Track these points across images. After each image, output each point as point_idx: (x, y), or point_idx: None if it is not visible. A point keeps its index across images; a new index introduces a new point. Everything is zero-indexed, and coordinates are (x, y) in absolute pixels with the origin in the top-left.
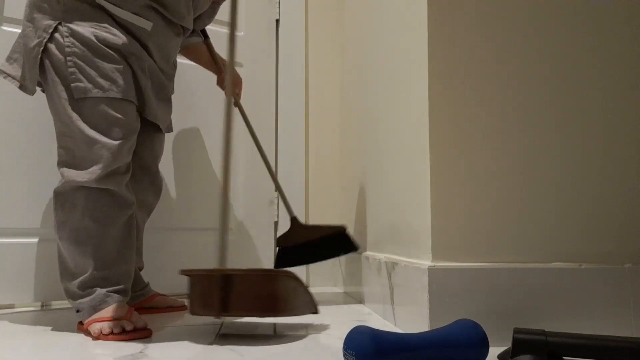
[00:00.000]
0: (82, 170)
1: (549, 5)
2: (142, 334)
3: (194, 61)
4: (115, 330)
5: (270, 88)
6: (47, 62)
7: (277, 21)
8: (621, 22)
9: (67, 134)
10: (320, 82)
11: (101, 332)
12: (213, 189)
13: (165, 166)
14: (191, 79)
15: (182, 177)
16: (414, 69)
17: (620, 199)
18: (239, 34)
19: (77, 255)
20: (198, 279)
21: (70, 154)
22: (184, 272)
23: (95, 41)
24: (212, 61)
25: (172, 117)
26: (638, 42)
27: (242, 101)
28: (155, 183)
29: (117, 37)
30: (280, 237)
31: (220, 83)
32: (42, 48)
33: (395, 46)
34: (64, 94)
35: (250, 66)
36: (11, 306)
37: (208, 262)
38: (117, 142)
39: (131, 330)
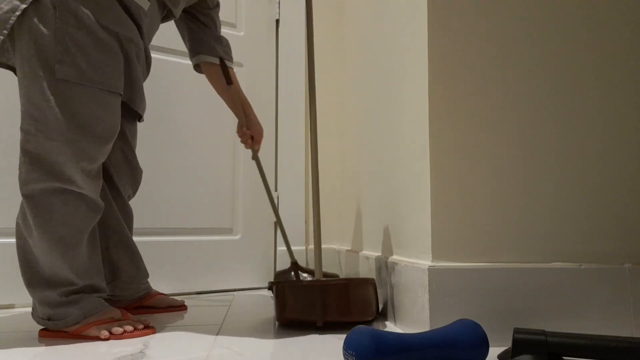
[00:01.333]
0: (56, 168)
1: (549, 4)
2: (149, 331)
3: (217, 92)
4: (128, 329)
5: (270, 88)
6: (24, 27)
7: (277, 21)
8: (621, 22)
9: (37, 118)
10: (320, 82)
11: (111, 333)
12: (213, 190)
13: (167, 166)
14: (198, 77)
15: (182, 178)
16: (414, 69)
17: (620, 199)
18: (239, 34)
19: (57, 265)
20: (297, 289)
21: (40, 144)
22: (275, 284)
23: (93, 20)
24: (237, 103)
25: (171, 117)
26: (637, 43)
27: None
28: (134, 175)
29: (118, 19)
30: (278, 272)
31: (242, 136)
32: (23, 6)
33: (395, 46)
34: (40, 71)
35: (250, 66)
36: (11, 306)
37: (208, 261)
38: (102, 142)
39: (137, 329)
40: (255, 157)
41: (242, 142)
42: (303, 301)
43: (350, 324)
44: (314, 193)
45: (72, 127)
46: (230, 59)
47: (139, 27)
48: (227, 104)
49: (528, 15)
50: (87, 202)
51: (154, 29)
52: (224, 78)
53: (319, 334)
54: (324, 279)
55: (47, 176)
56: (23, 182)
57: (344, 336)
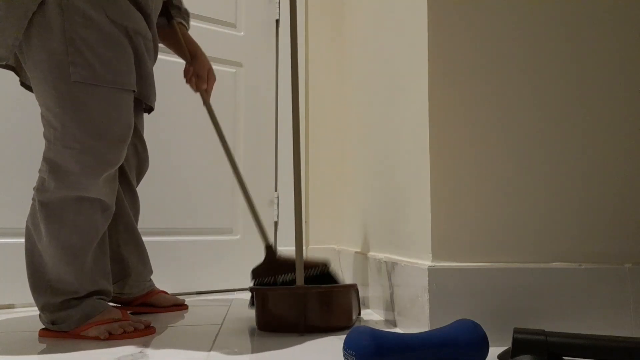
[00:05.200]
0: (72, 178)
1: (548, 5)
2: (149, 331)
3: (163, 44)
4: (128, 329)
5: (270, 88)
6: (32, 31)
7: (277, 21)
8: (622, 21)
9: (54, 126)
10: (320, 82)
11: (110, 333)
12: (213, 190)
13: (167, 167)
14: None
15: (183, 178)
16: (414, 69)
17: (620, 199)
18: (239, 34)
19: (63, 273)
20: (279, 296)
21: (58, 152)
22: (255, 289)
23: (102, 16)
24: (181, 45)
25: (171, 117)
26: (634, 42)
27: (242, 101)
28: (141, 167)
29: (125, 11)
30: (254, 269)
31: (186, 75)
32: (30, 13)
33: (396, 46)
34: (53, 77)
35: (250, 66)
36: (11, 306)
37: (208, 261)
38: (120, 143)
39: (137, 329)
40: (206, 103)
41: (187, 82)
42: (284, 308)
43: (329, 330)
44: (295, 193)
45: (90, 133)
46: (186, 22)
47: (147, 15)
48: (173, 50)
49: (529, 15)
50: (102, 207)
51: (158, 10)
52: (164, 15)
53: (318, 334)
54: (305, 286)
55: (65, 185)
56: (41, 190)
57: (344, 336)
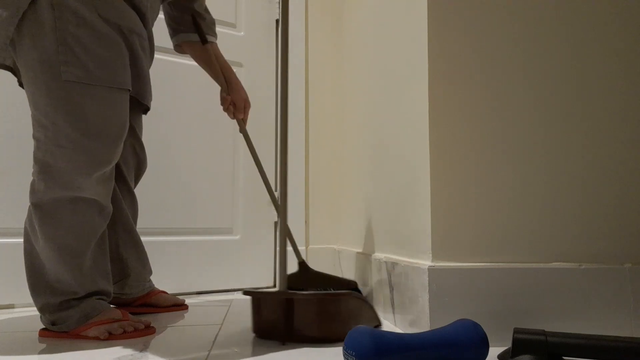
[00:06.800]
0: (65, 177)
1: (550, 4)
2: (149, 331)
3: (200, 65)
4: (129, 329)
5: (270, 88)
6: (24, 31)
7: (277, 21)
8: (623, 21)
9: (46, 126)
10: (320, 82)
11: (110, 333)
12: (213, 190)
13: (167, 167)
14: (198, 78)
15: (182, 178)
16: (414, 69)
17: (620, 199)
18: (239, 34)
19: (61, 274)
20: (267, 301)
21: (49, 152)
22: (248, 293)
23: (94, 15)
24: (214, 68)
25: (170, 117)
26: (633, 43)
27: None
28: (140, 169)
29: (118, 10)
30: (289, 276)
31: (224, 104)
32: (21, 10)
33: (396, 46)
34: (45, 76)
35: (250, 66)
36: (11, 306)
37: (208, 261)
38: (114, 142)
39: (137, 329)
40: (242, 131)
41: (224, 110)
42: (271, 314)
43: (317, 341)
44: (281, 194)
45: (83, 132)
46: (213, 34)
47: (142, 14)
48: (207, 72)
49: (529, 15)
50: (98, 208)
51: (156, 11)
52: (198, 37)
53: None
54: (291, 291)
55: (57, 185)
56: (32, 191)
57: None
